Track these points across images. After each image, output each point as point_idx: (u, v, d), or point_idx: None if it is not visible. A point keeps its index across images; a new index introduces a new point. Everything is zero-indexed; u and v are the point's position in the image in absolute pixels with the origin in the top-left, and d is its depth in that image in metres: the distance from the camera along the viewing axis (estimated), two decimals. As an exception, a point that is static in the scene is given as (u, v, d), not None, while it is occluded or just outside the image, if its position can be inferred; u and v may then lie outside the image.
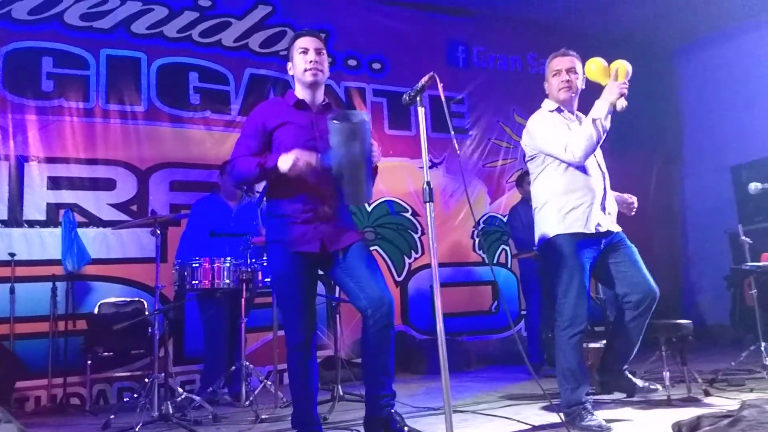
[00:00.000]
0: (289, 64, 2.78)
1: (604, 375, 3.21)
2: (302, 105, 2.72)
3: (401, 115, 6.30)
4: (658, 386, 3.07)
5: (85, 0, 5.18)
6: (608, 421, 2.93)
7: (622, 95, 2.86)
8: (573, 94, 3.11)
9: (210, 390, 4.12)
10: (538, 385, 2.79)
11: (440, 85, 2.23)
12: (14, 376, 4.19)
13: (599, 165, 3.10)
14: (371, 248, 2.89)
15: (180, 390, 3.85)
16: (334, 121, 2.41)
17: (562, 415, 2.90)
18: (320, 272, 2.77)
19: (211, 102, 5.61)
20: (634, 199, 3.21)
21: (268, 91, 5.89)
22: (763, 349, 4.02)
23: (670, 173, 7.81)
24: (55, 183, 4.91)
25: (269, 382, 4.20)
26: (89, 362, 4.32)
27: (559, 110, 3.13)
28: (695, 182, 7.54)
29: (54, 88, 5.02)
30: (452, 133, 2.31)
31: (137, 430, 3.18)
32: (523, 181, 5.72)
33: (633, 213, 3.20)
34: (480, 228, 6.60)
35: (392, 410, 2.65)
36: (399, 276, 6.15)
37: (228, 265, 4.07)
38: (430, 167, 2.59)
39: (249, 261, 4.11)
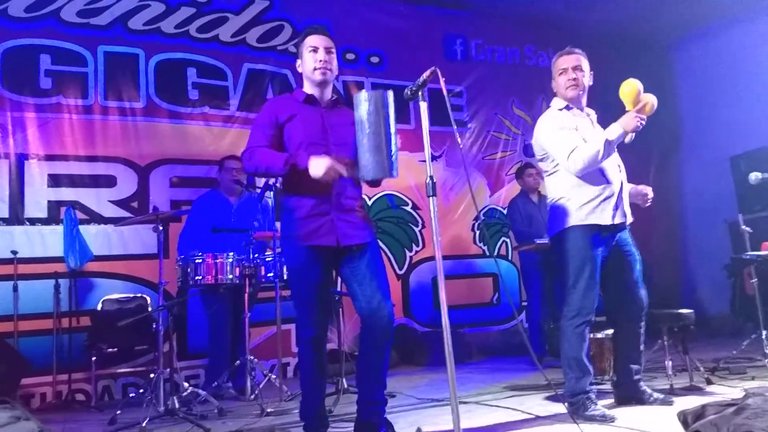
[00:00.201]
0: (299, 61, 2.81)
1: (619, 388, 3.22)
2: (312, 100, 2.75)
3: (400, 109, 6.24)
4: (674, 399, 3.08)
5: (82, -3, 5.17)
6: (611, 407, 2.97)
7: (637, 128, 2.93)
8: (581, 92, 3.15)
9: (215, 384, 4.15)
10: (542, 375, 2.81)
11: (442, 80, 2.24)
12: (19, 373, 4.20)
13: (613, 157, 3.14)
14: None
15: (185, 385, 3.87)
16: (358, 93, 2.45)
17: (566, 404, 2.92)
18: None
19: (209, 97, 5.60)
20: (648, 190, 3.24)
21: (266, 86, 5.88)
22: (764, 337, 4.04)
23: (669, 165, 7.83)
24: (55, 180, 4.91)
25: (273, 376, 4.23)
26: (94, 358, 4.34)
27: (567, 108, 3.17)
28: (694, 173, 7.56)
29: (52, 85, 5.01)
30: (454, 127, 2.32)
31: (144, 425, 3.20)
32: (522, 173, 5.74)
33: (648, 204, 3.23)
34: (480, 220, 6.62)
35: (382, 417, 2.70)
36: (400, 269, 6.17)
37: (231, 260, 4.09)
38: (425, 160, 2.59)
39: (252, 256, 4.12)
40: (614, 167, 3.12)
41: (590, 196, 3.03)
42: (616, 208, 3.05)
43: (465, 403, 3.51)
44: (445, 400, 3.61)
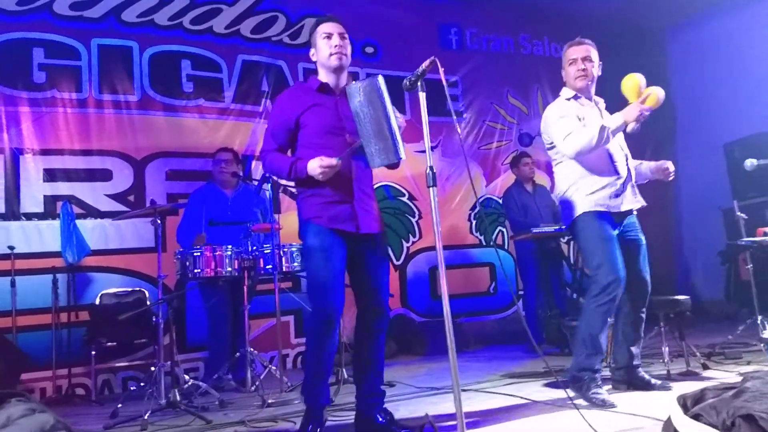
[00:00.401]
0: (312, 50, 2.79)
1: (617, 373, 3.26)
2: (326, 89, 2.74)
3: (396, 99, 6.20)
4: (672, 385, 3.12)
5: (74, -11, 5.13)
6: (609, 393, 3.01)
7: (640, 120, 2.97)
8: (589, 82, 3.22)
9: (215, 377, 4.16)
10: (541, 361, 2.84)
11: (441, 70, 2.24)
12: (19, 368, 4.20)
13: (621, 147, 3.22)
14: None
15: (186, 377, 3.88)
16: (349, 85, 2.48)
17: (570, 379, 2.97)
18: None
19: (204, 90, 5.58)
20: (669, 164, 3.28)
21: (261, 78, 5.87)
22: (759, 322, 4.09)
23: (664, 152, 7.84)
24: (51, 175, 4.89)
25: (274, 367, 4.25)
26: (93, 353, 4.35)
27: (575, 97, 3.24)
28: (689, 160, 7.57)
29: (46, 79, 4.98)
30: (454, 117, 2.33)
31: (146, 417, 3.21)
32: (518, 162, 5.76)
33: (671, 178, 3.29)
34: (476, 210, 6.64)
35: (381, 407, 2.73)
36: (397, 260, 6.19)
37: (229, 253, 4.09)
38: (423, 151, 2.61)
39: (250, 248, 4.13)
40: (621, 156, 3.19)
41: (598, 186, 3.10)
42: (624, 196, 3.13)
43: (465, 390, 3.53)
44: (444, 389, 3.64)
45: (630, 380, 3.19)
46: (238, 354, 4.22)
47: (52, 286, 4.58)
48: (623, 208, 3.14)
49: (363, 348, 2.74)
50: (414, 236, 6.31)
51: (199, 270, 4.04)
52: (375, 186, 2.93)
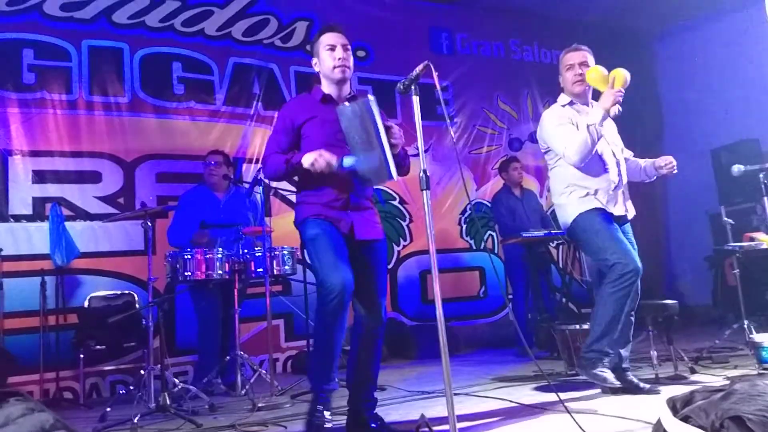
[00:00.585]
0: (314, 60, 2.79)
1: None
2: (328, 99, 2.75)
3: (387, 103, 6.31)
4: (660, 388, 3.16)
5: (65, -10, 5.11)
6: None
7: (616, 102, 3.05)
8: (587, 87, 3.30)
9: (205, 380, 4.13)
10: (532, 365, 2.86)
11: (435, 74, 2.26)
12: (6, 371, 4.16)
13: (614, 153, 3.28)
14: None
15: (176, 381, 3.86)
16: (339, 107, 2.48)
17: (579, 357, 3.02)
18: None
19: (195, 92, 5.57)
20: (670, 158, 3.32)
21: (252, 80, 5.87)
22: (746, 327, 4.13)
23: (652, 156, 7.91)
24: (40, 177, 4.86)
25: (264, 371, 4.23)
26: (81, 356, 4.31)
27: (571, 103, 3.31)
28: (676, 165, 7.66)
29: (36, 80, 4.95)
30: (448, 121, 2.34)
31: (136, 421, 3.19)
32: (507, 166, 5.79)
33: (675, 171, 3.31)
34: (467, 214, 6.67)
35: (373, 412, 2.73)
36: (388, 264, 6.20)
37: (220, 256, 4.08)
38: (415, 155, 2.63)
39: (241, 251, 4.12)
40: (613, 162, 3.25)
41: (592, 189, 3.17)
42: (616, 200, 3.20)
43: (456, 394, 3.51)
44: (435, 392, 3.65)
45: (619, 384, 3.21)
46: (228, 357, 4.20)
47: (41, 288, 4.54)
48: (616, 213, 3.21)
49: (358, 354, 2.73)
50: (405, 240, 6.33)
51: (189, 273, 4.02)
52: (366, 190, 2.92)
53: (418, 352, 5.60)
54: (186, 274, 4.02)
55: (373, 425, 2.68)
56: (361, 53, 6.41)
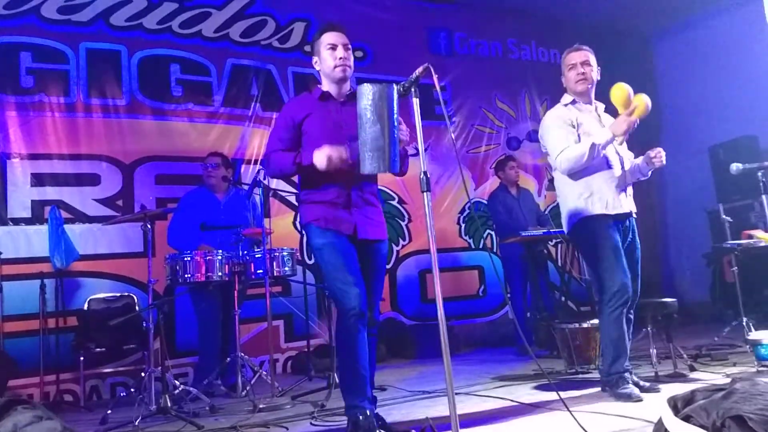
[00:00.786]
0: (315, 59, 2.81)
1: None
2: (327, 96, 2.78)
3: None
4: (660, 387, 3.19)
5: (62, -7, 5.10)
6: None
7: (626, 133, 3.07)
8: (589, 86, 3.32)
9: (205, 382, 4.14)
10: (532, 364, 2.86)
11: (435, 77, 2.26)
12: (6, 374, 4.16)
13: (617, 150, 3.28)
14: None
15: (177, 383, 3.86)
16: (362, 84, 2.40)
17: (602, 382, 3.06)
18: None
19: (193, 94, 5.57)
20: (657, 150, 3.30)
21: (250, 82, 5.86)
22: (744, 324, 4.15)
23: (649, 155, 7.95)
24: (38, 180, 4.85)
25: (264, 372, 4.23)
26: (81, 358, 4.31)
27: (573, 102, 3.34)
28: (674, 163, 7.63)
29: (34, 83, 4.94)
30: (448, 122, 2.35)
31: (137, 423, 3.19)
32: (504, 166, 5.79)
33: (664, 162, 3.29)
34: (465, 214, 6.68)
35: (374, 412, 2.71)
36: (387, 264, 6.19)
37: (220, 257, 4.08)
38: (415, 155, 2.63)
39: (241, 253, 4.12)
40: (616, 159, 3.26)
41: (594, 189, 3.17)
42: (621, 197, 3.21)
43: (456, 393, 3.52)
44: (435, 392, 3.65)
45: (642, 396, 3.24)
46: (228, 359, 4.21)
47: (40, 291, 4.53)
48: (621, 211, 3.21)
49: None
50: (404, 239, 6.33)
51: (189, 275, 4.03)
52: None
53: (418, 351, 5.60)
54: (186, 276, 4.02)
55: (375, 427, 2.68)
56: (358, 53, 6.40)
